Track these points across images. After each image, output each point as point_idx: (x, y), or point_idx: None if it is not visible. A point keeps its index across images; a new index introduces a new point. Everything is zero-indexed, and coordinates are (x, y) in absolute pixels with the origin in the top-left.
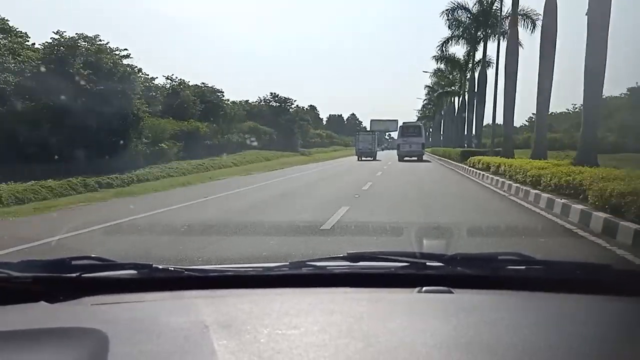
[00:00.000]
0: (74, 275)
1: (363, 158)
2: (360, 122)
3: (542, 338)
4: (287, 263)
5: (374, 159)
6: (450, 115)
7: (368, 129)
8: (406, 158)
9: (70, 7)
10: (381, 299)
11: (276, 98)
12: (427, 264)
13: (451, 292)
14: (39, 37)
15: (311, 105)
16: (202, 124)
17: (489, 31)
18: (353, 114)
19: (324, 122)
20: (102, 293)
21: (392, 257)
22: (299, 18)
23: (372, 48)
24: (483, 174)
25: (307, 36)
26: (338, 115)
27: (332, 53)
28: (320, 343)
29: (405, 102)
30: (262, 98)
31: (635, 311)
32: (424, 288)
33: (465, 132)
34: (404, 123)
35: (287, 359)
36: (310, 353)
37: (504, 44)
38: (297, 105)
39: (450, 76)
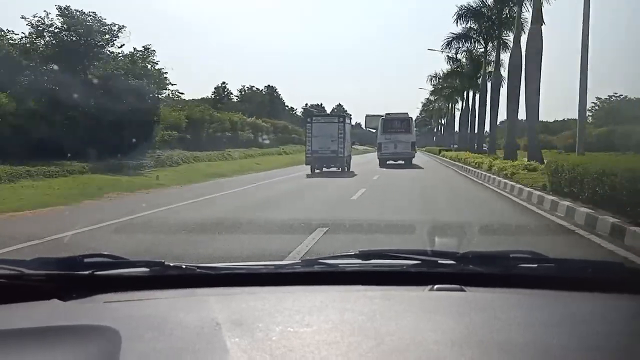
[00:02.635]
0: (86, 273)
1: (324, 169)
2: (349, 116)
3: (555, 336)
4: (299, 261)
5: (345, 170)
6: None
7: (363, 126)
8: (390, 162)
9: None
10: (393, 297)
11: (71, 20)
12: (439, 261)
13: (463, 290)
14: None
15: (269, 86)
16: None
17: None
18: (339, 104)
19: (299, 114)
20: (114, 291)
21: (404, 255)
22: (292, 11)
23: (368, 40)
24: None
25: (299, 30)
26: (317, 105)
27: (326, 46)
28: (332, 341)
29: (406, 100)
30: (39, 22)
31: None
32: (436, 286)
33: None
34: (386, 114)
35: (299, 357)
36: (322, 351)
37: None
38: (135, 50)
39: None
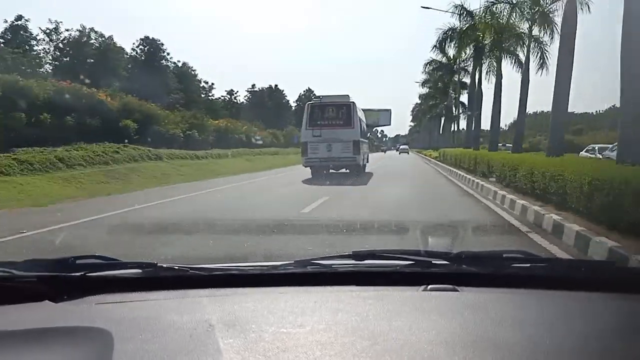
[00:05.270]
0: (78, 274)
1: None
2: None
3: (547, 336)
4: (292, 261)
5: None
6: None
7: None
8: (331, 170)
9: None
10: (387, 297)
11: None
12: (433, 262)
13: (456, 290)
14: None
15: (178, 62)
16: None
17: None
18: (309, 88)
19: (243, 102)
20: (106, 292)
21: (398, 255)
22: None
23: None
24: None
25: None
26: (270, 87)
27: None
28: (325, 341)
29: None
30: None
31: None
32: (430, 286)
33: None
34: (314, 98)
35: (293, 358)
36: (315, 351)
37: None
38: None
39: None
